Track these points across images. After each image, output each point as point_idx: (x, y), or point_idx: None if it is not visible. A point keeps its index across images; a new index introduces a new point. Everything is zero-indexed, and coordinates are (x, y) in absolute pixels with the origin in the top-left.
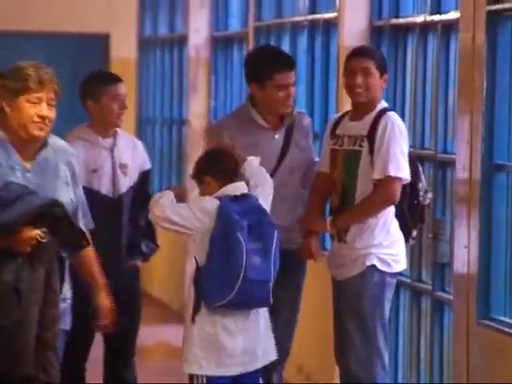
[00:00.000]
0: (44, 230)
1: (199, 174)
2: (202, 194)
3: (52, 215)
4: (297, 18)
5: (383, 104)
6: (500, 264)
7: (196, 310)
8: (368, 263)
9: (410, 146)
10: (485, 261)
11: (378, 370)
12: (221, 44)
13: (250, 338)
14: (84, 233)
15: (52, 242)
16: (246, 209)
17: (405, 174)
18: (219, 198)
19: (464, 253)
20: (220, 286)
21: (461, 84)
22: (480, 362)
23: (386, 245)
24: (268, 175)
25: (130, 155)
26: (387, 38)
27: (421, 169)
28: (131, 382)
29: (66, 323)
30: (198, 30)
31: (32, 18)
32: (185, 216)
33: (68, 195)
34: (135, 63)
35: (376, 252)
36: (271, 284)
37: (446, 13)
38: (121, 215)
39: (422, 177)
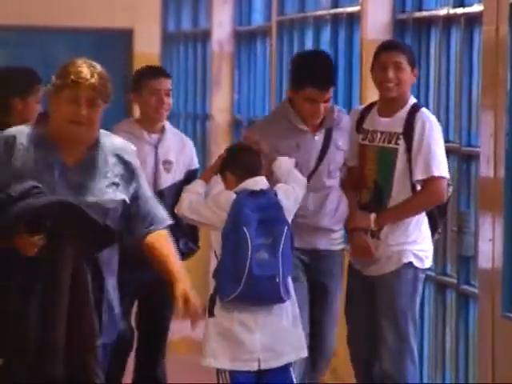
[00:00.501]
0: (41, 236)
1: (221, 170)
2: (225, 188)
3: (53, 217)
4: (320, 12)
5: (413, 100)
6: None
7: (212, 303)
8: (405, 260)
9: None
10: (509, 254)
11: (409, 367)
12: (244, 38)
13: (271, 334)
14: (112, 230)
15: (69, 242)
16: (261, 204)
17: (447, 172)
18: (237, 193)
19: (489, 246)
20: (230, 280)
21: (484, 77)
22: (505, 355)
23: (419, 241)
24: (299, 175)
25: (177, 153)
26: (410, 31)
27: None
28: (162, 382)
29: (107, 336)
30: (222, 24)
31: (55, 13)
32: (202, 213)
33: (117, 196)
34: (159, 58)
35: (411, 249)
36: (279, 279)
37: (469, 5)
38: None
39: None
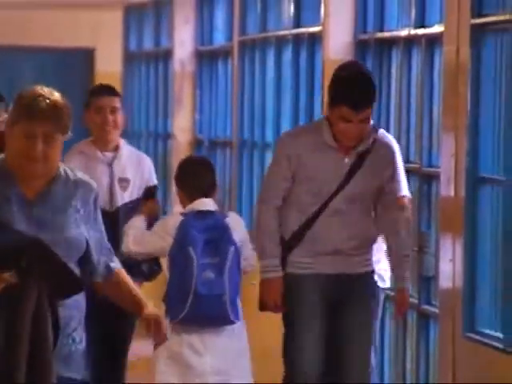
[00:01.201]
0: (11, 273)
1: (176, 185)
2: (181, 204)
3: (23, 254)
4: (281, 32)
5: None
6: (485, 277)
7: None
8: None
9: None
10: (470, 274)
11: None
12: (206, 58)
13: (221, 357)
14: (75, 277)
15: (33, 283)
16: (208, 225)
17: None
18: (184, 214)
19: (449, 266)
20: (178, 301)
21: (445, 97)
22: (466, 376)
23: (383, 260)
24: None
25: (133, 170)
26: (372, 51)
27: None
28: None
29: (75, 371)
30: (183, 43)
31: (18, 32)
32: (147, 242)
33: (80, 232)
34: (120, 77)
35: (375, 268)
36: (226, 299)
37: (430, 26)
38: (116, 228)
39: None
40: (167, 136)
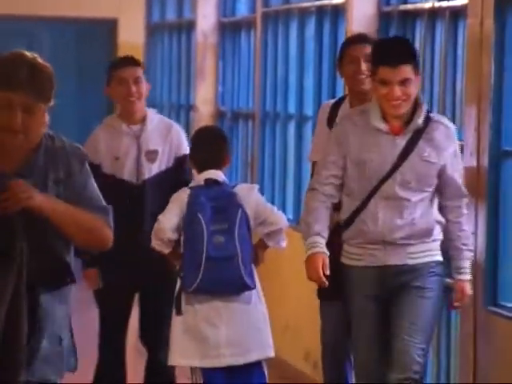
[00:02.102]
0: None
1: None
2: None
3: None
4: (305, 4)
5: None
6: (508, 251)
7: (178, 301)
8: None
9: None
10: (492, 247)
11: None
12: (229, 30)
13: (236, 329)
14: (66, 263)
15: (14, 266)
16: (216, 194)
17: None
18: (191, 187)
19: (472, 239)
20: (192, 270)
21: (469, 70)
22: (487, 349)
23: None
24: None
25: (162, 141)
26: (395, 23)
27: None
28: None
29: (53, 373)
30: (206, 15)
31: (41, 2)
32: (163, 228)
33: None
34: (143, 49)
35: None
36: (238, 261)
37: None
38: (143, 201)
39: None
40: (189, 108)
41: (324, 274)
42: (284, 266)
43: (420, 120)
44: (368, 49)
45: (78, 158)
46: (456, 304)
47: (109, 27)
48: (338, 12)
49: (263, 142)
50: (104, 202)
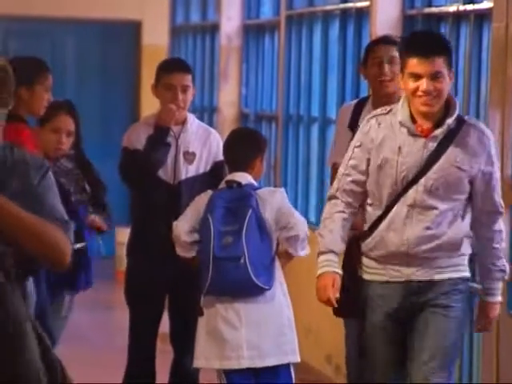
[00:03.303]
0: None
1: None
2: None
3: None
4: (329, 7)
5: None
6: None
7: (198, 302)
8: None
9: None
10: None
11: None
12: (252, 32)
13: (257, 331)
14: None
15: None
16: (234, 195)
17: None
18: (214, 190)
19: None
20: (204, 272)
21: (493, 74)
22: (510, 353)
23: None
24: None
25: (200, 145)
26: (420, 26)
27: None
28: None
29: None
30: (230, 18)
31: (64, 4)
32: (177, 233)
33: None
34: (167, 51)
35: None
36: (245, 261)
37: (479, 2)
38: (179, 201)
39: None
40: (213, 110)
41: (334, 295)
42: (306, 269)
43: (452, 121)
44: (393, 50)
45: (37, 170)
46: (479, 327)
47: (133, 29)
48: (362, 15)
49: (286, 144)
50: (66, 217)
